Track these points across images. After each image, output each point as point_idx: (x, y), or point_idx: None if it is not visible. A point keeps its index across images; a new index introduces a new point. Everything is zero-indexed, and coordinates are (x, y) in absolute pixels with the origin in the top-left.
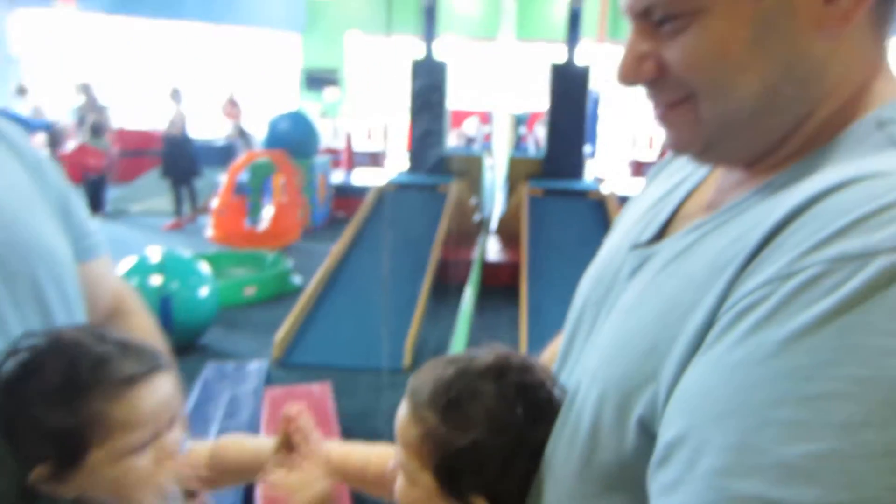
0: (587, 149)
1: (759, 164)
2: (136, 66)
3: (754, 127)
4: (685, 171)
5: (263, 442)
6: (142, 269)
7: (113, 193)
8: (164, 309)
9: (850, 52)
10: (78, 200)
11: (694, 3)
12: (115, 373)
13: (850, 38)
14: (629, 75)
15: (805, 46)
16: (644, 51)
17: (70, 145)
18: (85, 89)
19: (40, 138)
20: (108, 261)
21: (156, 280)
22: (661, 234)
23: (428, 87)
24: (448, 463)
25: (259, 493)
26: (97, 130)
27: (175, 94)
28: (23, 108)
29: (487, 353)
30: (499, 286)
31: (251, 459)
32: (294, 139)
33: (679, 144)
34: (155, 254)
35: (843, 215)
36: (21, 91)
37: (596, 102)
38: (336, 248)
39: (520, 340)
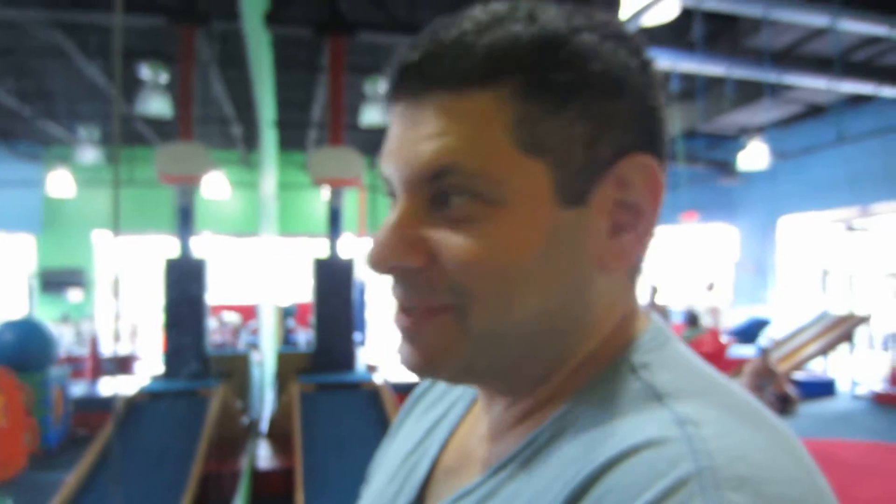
0: (357, 337)
1: (517, 401)
2: None
3: (524, 352)
4: (441, 406)
5: None
6: None
7: None
8: None
9: (615, 291)
10: None
11: (498, 191)
12: None
13: (616, 279)
14: (390, 258)
15: (584, 276)
16: (413, 234)
17: None
18: None
19: None
20: None
21: None
22: (420, 495)
23: (184, 285)
24: None
25: None
26: None
27: None
28: None
29: None
30: (274, 496)
31: None
32: (21, 350)
33: (431, 364)
34: None
35: (631, 500)
36: None
37: (362, 291)
38: (73, 477)
39: None
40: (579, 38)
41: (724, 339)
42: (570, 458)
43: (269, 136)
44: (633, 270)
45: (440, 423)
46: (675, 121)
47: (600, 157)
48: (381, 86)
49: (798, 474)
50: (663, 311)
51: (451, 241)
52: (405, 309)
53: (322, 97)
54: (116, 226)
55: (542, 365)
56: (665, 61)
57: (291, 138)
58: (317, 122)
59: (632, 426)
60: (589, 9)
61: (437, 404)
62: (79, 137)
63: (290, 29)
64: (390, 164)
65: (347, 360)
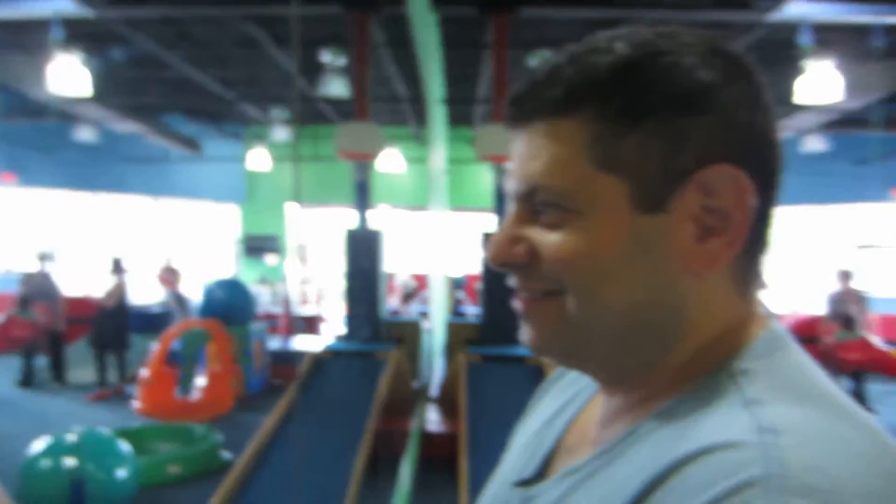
0: None
1: (627, 393)
2: (81, 236)
3: (618, 342)
4: (572, 389)
5: None
6: (55, 450)
7: (42, 363)
8: (77, 493)
9: (713, 295)
10: None
11: (577, 203)
12: None
13: (713, 283)
14: (500, 256)
15: (670, 277)
16: (518, 234)
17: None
18: (42, 259)
19: None
20: None
21: (70, 462)
22: (544, 467)
23: (362, 255)
24: None
25: None
26: (25, 302)
27: (115, 265)
28: None
29: None
30: (440, 458)
31: None
32: (229, 306)
33: (540, 342)
34: (71, 434)
35: (696, 495)
36: None
37: None
38: (269, 421)
39: None
40: (654, 62)
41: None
42: (657, 452)
43: (437, 113)
44: (743, 276)
45: (569, 404)
46: (876, 82)
47: (678, 168)
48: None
49: (881, 491)
50: (858, 298)
51: (545, 241)
52: (521, 295)
53: (488, 73)
54: (298, 197)
55: (636, 358)
56: (866, 16)
57: (460, 114)
58: (483, 98)
59: (714, 428)
60: (681, 31)
61: (570, 387)
62: (272, 118)
63: (454, 9)
64: (508, 181)
65: (513, 334)
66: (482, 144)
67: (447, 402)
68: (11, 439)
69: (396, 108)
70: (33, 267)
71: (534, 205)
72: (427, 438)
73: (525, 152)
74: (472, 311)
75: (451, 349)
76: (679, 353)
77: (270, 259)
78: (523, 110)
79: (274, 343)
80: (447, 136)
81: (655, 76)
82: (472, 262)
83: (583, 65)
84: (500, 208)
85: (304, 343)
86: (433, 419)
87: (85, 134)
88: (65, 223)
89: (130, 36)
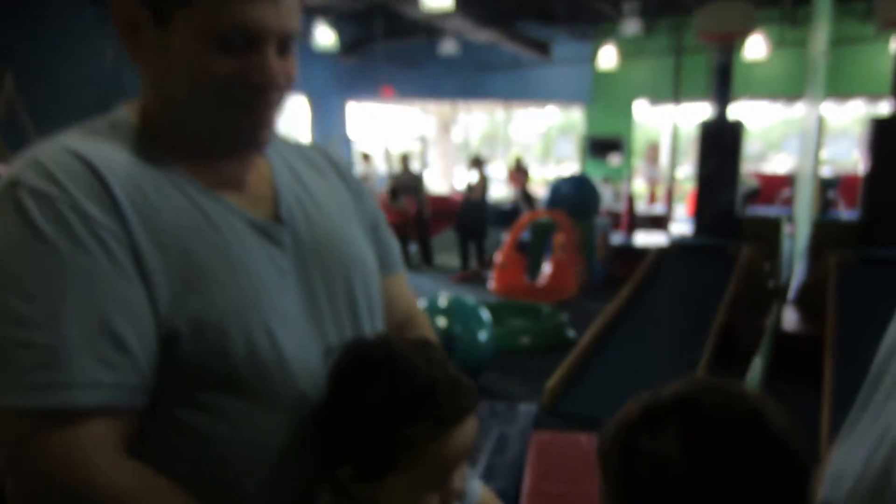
0: None
1: None
2: (442, 139)
3: None
4: None
5: None
6: (431, 311)
7: (413, 249)
8: (448, 348)
9: None
10: (385, 223)
11: None
12: (440, 407)
13: None
14: None
15: None
16: None
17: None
18: (404, 159)
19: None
20: (405, 278)
21: (442, 322)
22: None
23: (718, 147)
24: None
25: None
26: (394, 194)
27: (476, 162)
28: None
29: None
30: (796, 362)
31: None
32: (575, 200)
33: None
34: (443, 299)
35: None
36: (366, 158)
37: None
38: (612, 305)
39: (821, 430)
40: None
41: None
42: None
43: None
44: None
45: None
46: None
47: None
48: None
49: None
50: None
51: None
52: None
53: None
54: (658, 94)
55: None
56: None
57: None
58: None
59: None
60: None
61: None
62: (623, 10)
63: None
64: None
65: None
66: (889, 8)
67: (808, 305)
68: None
69: None
70: (400, 167)
71: None
72: (783, 337)
73: None
74: (846, 215)
75: (817, 250)
76: None
77: (614, 159)
78: None
79: (616, 238)
80: (831, 13)
81: None
82: (851, 159)
83: None
84: None
85: (647, 238)
86: (791, 319)
87: (447, 48)
88: (429, 129)
89: None
